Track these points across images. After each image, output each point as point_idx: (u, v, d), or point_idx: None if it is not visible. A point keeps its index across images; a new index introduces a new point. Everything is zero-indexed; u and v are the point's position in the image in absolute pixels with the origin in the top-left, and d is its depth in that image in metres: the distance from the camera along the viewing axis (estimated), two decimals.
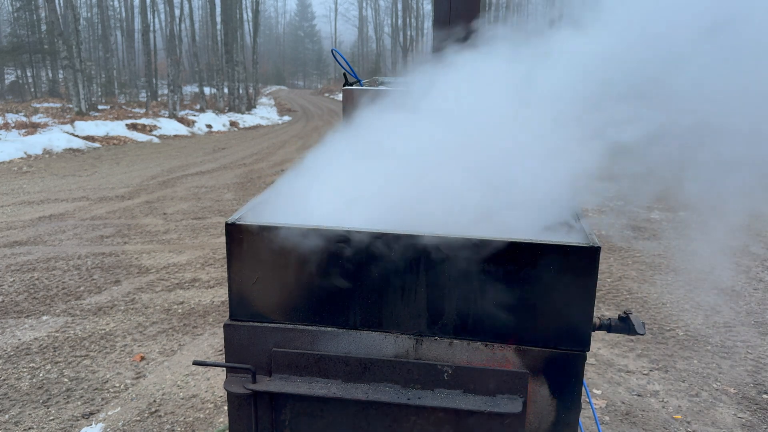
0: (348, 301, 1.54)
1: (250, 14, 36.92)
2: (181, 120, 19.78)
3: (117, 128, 16.51)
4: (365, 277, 1.51)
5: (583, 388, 1.59)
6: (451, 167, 1.72)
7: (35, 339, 4.17)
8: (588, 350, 1.47)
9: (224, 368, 1.62)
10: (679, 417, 3.25)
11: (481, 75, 1.85)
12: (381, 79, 2.61)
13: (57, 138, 14.02)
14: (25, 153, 12.69)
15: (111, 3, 37.63)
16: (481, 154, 1.72)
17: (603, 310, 4.69)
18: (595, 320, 1.64)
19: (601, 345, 4.11)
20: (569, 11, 1.78)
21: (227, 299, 1.57)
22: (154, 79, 27.81)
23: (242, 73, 27.78)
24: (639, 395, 3.49)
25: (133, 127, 17.23)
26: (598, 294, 4.83)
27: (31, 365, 3.81)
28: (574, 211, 1.72)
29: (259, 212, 1.72)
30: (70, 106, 20.15)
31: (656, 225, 7.38)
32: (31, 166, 11.60)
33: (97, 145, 14.79)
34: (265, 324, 1.59)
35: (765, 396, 3.49)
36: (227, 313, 1.58)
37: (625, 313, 1.67)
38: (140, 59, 33.61)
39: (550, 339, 1.47)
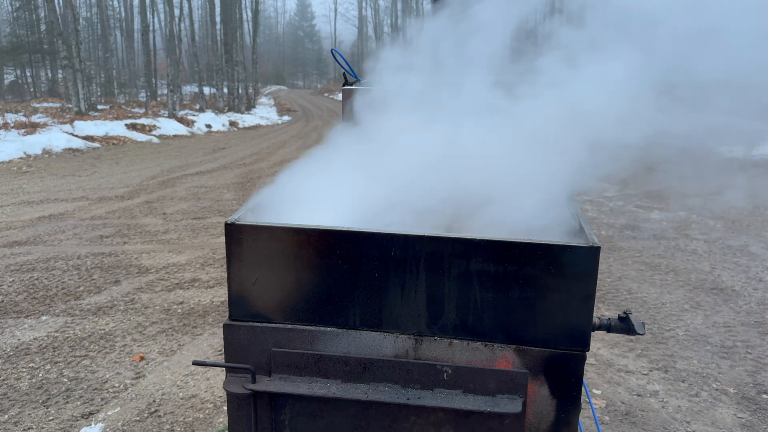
0: (348, 301, 1.54)
1: (249, 14, 36.91)
2: (181, 120, 19.76)
3: (116, 128, 16.49)
4: (365, 277, 1.51)
5: (583, 388, 1.59)
6: (452, 167, 1.72)
7: (35, 339, 4.17)
8: (588, 350, 1.47)
9: (224, 368, 1.62)
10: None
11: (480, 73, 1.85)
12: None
13: (56, 138, 14.00)
14: (25, 153, 12.68)
15: (110, 3, 37.59)
16: (481, 153, 1.72)
17: (603, 310, 4.69)
18: (595, 320, 1.64)
19: (600, 345, 4.11)
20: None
21: (227, 299, 1.56)
22: (153, 79, 27.78)
23: (242, 73, 27.76)
24: (639, 395, 3.49)
25: (132, 127, 17.22)
26: (598, 294, 4.83)
27: (30, 365, 3.81)
28: (574, 210, 1.72)
29: (258, 212, 1.72)
30: (70, 105, 20.13)
31: (656, 225, 7.38)
32: (30, 166, 11.60)
33: (96, 145, 14.78)
34: (265, 324, 1.59)
35: (765, 396, 3.48)
36: (227, 313, 1.57)
37: (624, 313, 1.67)
38: (140, 59, 33.60)
39: (550, 339, 1.47)
